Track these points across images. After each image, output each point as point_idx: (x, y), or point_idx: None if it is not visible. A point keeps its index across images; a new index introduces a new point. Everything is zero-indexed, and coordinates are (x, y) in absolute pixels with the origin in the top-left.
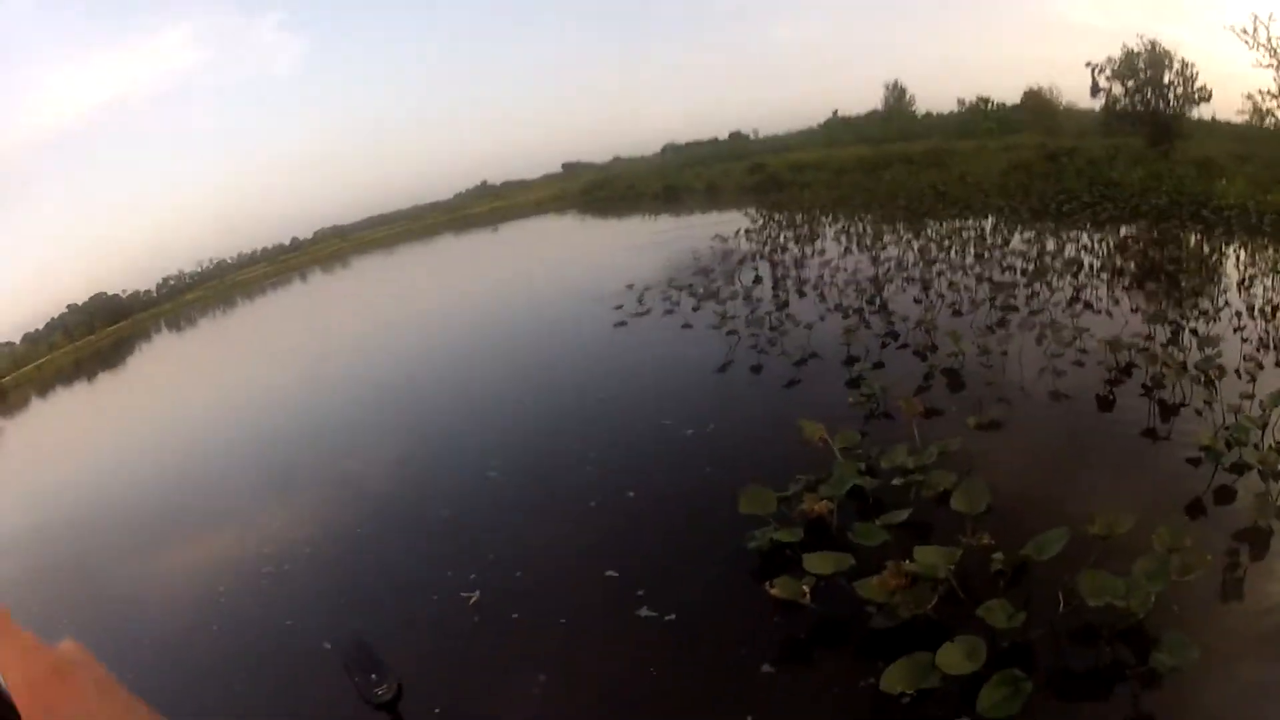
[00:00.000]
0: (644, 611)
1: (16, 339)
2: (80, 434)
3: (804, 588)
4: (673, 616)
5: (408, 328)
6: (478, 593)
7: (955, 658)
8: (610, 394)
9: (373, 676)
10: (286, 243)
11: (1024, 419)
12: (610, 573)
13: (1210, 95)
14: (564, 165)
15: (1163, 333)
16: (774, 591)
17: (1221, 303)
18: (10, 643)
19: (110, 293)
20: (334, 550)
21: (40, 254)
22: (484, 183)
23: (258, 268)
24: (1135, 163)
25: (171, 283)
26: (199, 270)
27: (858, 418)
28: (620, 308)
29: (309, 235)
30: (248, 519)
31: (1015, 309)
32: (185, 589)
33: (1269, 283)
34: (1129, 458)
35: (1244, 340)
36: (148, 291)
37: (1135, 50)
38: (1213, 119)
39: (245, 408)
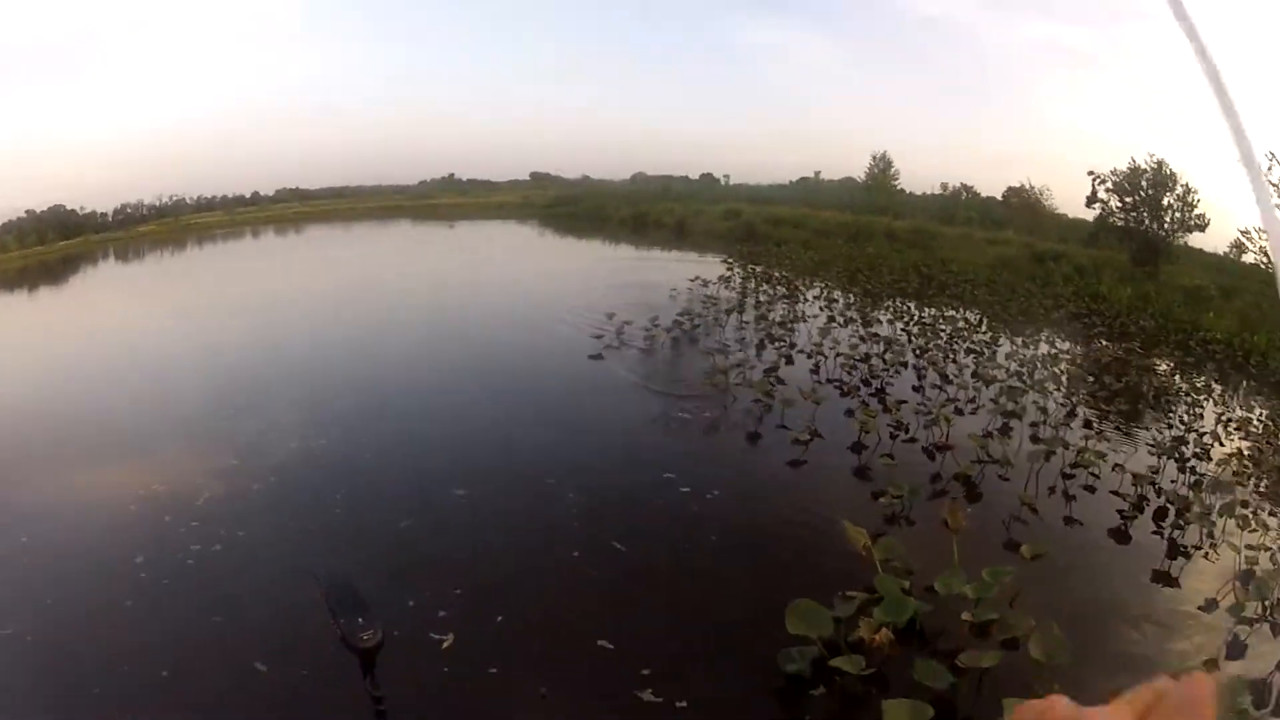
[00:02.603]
0: (648, 695)
1: None
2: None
3: None
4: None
5: (360, 315)
6: (451, 636)
7: None
8: (588, 433)
9: (360, 620)
10: (247, 195)
11: (1050, 547)
12: (604, 643)
13: (1207, 225)
14: (532, 174)
15: (1170, 468)
16: None
17: (1219, 445)
18: None
19: (69, 206)
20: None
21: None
22: (451, 176)
23: (214, 215)
24: (1122, 279)
25: (128, 210)
26: (157, 204)
27: (875, 516)
28: (600, 337)
29: (270, 192)
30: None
31: (1017, 416)
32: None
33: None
34: (1151, 603)
35: (1240, 484)
36: (103, 214)
37: (1142, 167)
38: (1200, 249)
39: (168, 356)
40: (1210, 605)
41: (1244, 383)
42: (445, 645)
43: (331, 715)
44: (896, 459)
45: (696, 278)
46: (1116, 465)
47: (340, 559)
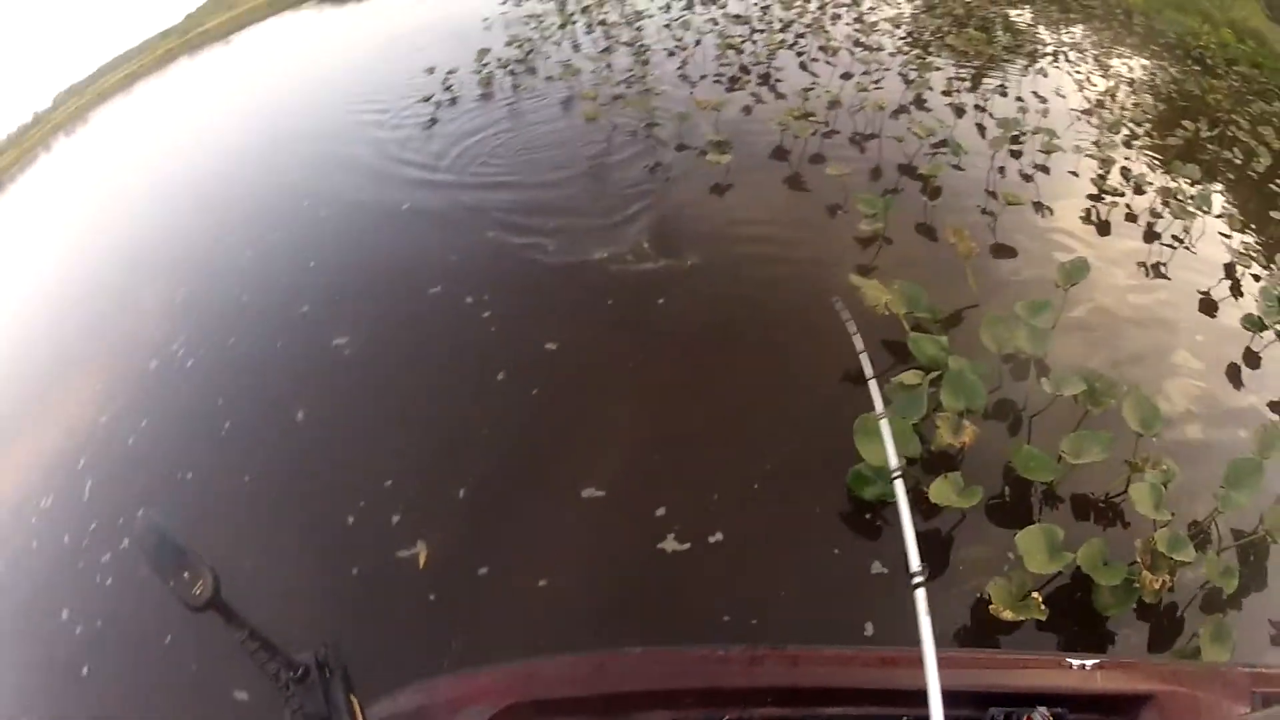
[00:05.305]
0: (671, 544)
1: None
2: None
3: (1036, 595)
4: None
5: (179, 171)
6: (421, 544)
7: None
8: (453, 226)
9: (185, 575)
10: (29, 120)
11: (1036, 254)
12: (591, 492)
13: None
14: None
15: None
16: (1006, 614)
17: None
18: None
19: None
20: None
21: None
22: None
23: (5, 157)
24: None
25: None
26: None
27: (843, 237)
28: (430, 98)
29: (49, 104)
30: None
31: (928, 86)
32: None
33: None
34: (1162, 310)
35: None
36: None
37: None
38: None
39: None
40: (1208, 306)
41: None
42: (421, 560)
43: None
44: (828, 158)
45: (507, 0)
46: (1044, 130)
47: (245, 496)
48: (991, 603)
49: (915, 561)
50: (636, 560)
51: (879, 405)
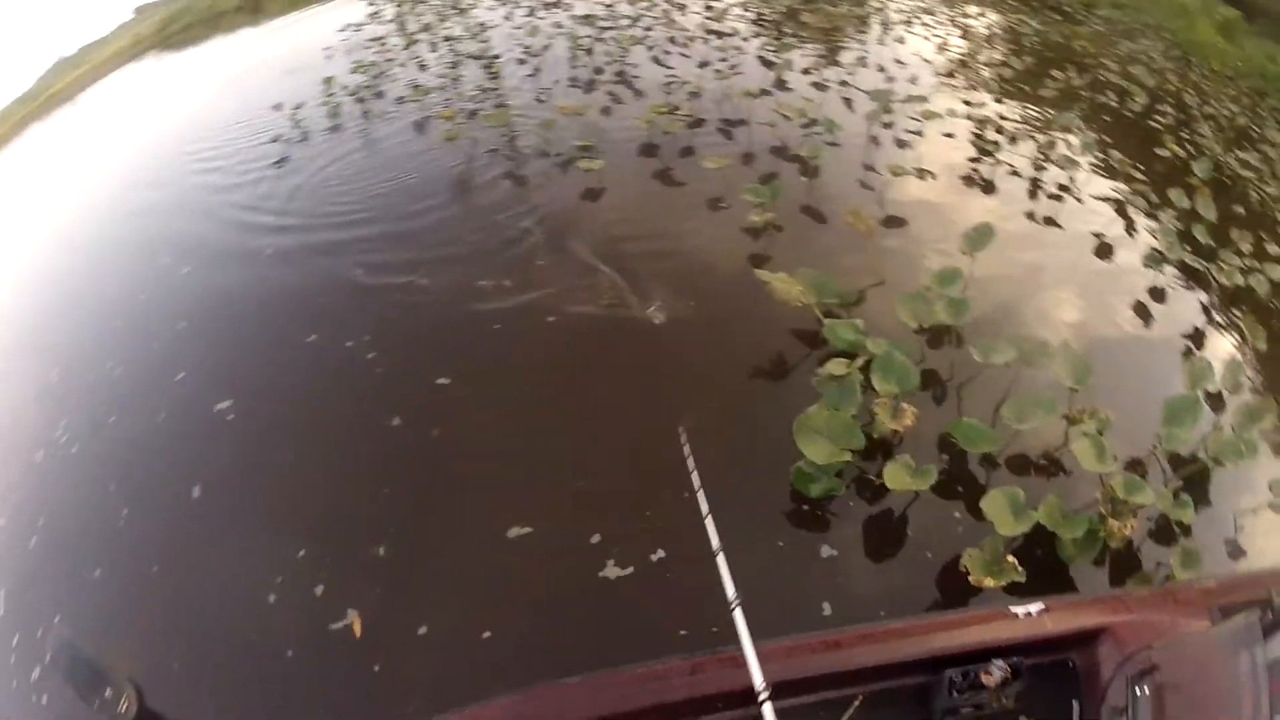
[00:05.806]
0: (612, 570)
1: None
2: None
3: (1011, 558)
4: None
5: (34, 247)
6: (353, 613)
7: None
8: (323, 270)
9: (107, 693)
10: None
11: (926, 222)
12: (517, 531)
13: None
14: (137, 10)
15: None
16: (987, 581)
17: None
18: None
19: None
20: None
21: None
22: (60, 58)
23: None
24: None
25: None
26: None
27: (730, 229)
28: (278, 139)
29: None
30: None
31: (790, 66)
32: None
33: None
34: (1061, 260)
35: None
36: None
37: None
38: None
39: None
40: (1105, 250)
41: None
42: (356, 629)
43: None
44: (698, 150)
45: (346, 26)
46: (913, 98)
47: (157, 587)
48: (970, 574)
49: (759, 682)
50: (580, 593)
51: (715, 541)
